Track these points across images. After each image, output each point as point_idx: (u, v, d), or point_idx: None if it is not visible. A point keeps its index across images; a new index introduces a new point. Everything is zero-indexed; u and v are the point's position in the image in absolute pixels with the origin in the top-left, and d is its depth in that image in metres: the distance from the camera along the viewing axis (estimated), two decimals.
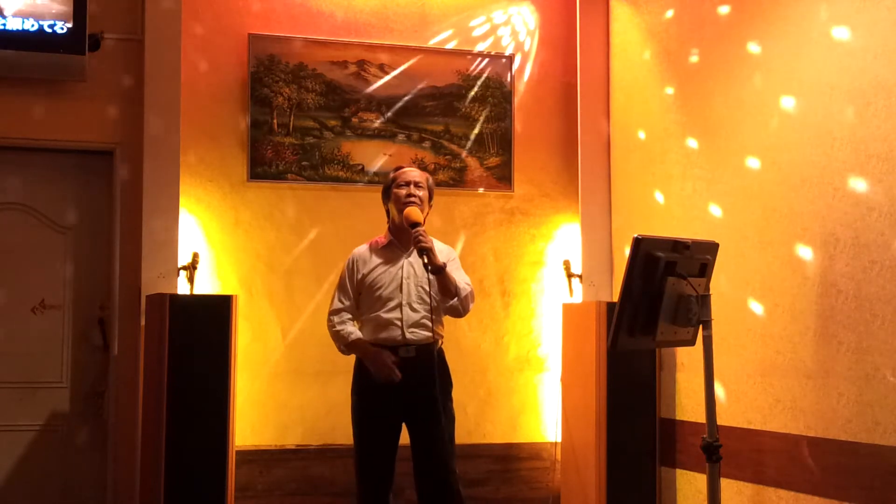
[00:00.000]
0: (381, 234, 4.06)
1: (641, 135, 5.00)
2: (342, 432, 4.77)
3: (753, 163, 4.18)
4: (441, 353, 3.95)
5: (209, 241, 4.77)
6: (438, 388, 3.84)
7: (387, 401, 3.85)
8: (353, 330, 3.93)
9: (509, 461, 5.08)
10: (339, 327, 3.93)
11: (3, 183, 4.60)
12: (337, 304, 3.97)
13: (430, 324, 3.85)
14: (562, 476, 4.98)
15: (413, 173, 4.00)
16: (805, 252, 3.86)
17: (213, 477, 4.17)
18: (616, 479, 4.62)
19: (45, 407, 4.57)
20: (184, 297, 4.40)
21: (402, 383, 3.83)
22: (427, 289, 3.85)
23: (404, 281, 3.88)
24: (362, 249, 4.02)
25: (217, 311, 4.25)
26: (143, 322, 4.48)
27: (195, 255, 4.60)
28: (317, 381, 4.83)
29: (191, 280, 4.55)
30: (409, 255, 3.93)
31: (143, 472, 4.38)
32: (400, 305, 3.85)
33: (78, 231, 4.67)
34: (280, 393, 4.82)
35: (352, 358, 4.18)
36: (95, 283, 4.66)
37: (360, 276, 3.94)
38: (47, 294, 4.61)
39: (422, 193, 3.94)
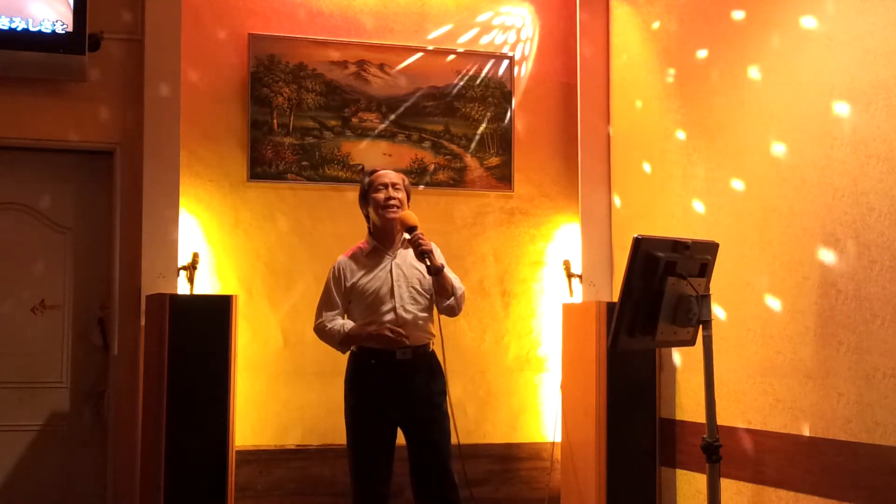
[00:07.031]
0: (362, 240, 4.01)
1: (641, 135, 5.00)
2: (342, 432, 4.75)
3: (753, 163, 4.17)
4: (434, 353, 3.94)
5: (209, 241, 4.77)
6: (435, 388, 3.85)
7: (384, 403, 3.82)
8: (343, 322, 3.87)
9: (509, 461, 5.08)
10: (329, 325, 3.87)
11: (3, 183, 4.60)
12: (326, 314, 3.89)
13: (424, 325, 3.86)
14: (561, 476, 4.98)
15: (389, 175, 3.94)
16: (805, 252, 3.86)
17: (213, 477, 4.17)
18: (616, 479, 4.62)
19: (45, 407, 4.58)
20: (184, 297, 4.40)
21: (400, 386, 3.81)
22: (418, 289, 3.86)
23: (395, 284, 3.85)
24: (345, 259, 3.95)
25: (217, 311, 4.25)
26: (143, 322, 4.48)
27: (195, 255, 4.60)
28: (317, 381, 4.82)
29: (191, 280, 4.55)
30: (395, 257, 3.91)
31: (143, 472, 4.38)
32: (394, 309, 3.82)
33: (78, 231, 4.68)
34: (280, 393, 4.82)
35: None
36: (95, 283, 4.66)
37: (348, 285, 3.88)
38: (47, 294, 4.61)
39: (400, 195, 3.90)
